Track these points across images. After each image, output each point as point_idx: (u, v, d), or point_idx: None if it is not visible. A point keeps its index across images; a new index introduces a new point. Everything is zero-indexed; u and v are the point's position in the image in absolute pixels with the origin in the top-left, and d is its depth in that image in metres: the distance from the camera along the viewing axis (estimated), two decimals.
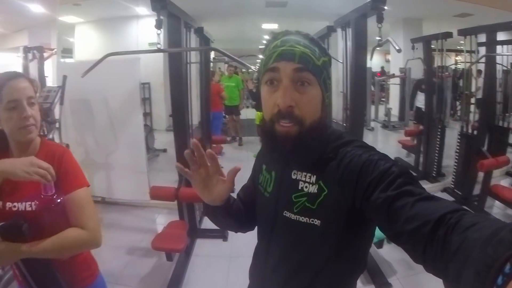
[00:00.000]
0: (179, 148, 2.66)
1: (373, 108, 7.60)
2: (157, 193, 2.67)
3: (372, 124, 7.23)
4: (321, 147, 0.74)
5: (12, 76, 1.02)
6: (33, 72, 5.19)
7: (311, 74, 0.70)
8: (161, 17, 2.23)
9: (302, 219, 0.74)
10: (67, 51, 6.33)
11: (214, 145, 4.73)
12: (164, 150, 5.33)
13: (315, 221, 0.73)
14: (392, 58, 7.84)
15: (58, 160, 1.07)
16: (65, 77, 3.33)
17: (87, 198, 1.09)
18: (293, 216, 0.76)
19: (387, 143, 6.28)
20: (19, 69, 5.35)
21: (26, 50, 5.60)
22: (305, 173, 0.76)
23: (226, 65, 7.81)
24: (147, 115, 6.02)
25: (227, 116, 6.32)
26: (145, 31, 5.61)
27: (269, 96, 0.72)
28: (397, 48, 2.33)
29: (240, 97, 6.27)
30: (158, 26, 2.23)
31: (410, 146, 4.85)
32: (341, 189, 0.69)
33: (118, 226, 3.24)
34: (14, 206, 1.01)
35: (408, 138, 4.93)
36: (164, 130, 6.22)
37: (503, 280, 0.37)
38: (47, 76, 4.89)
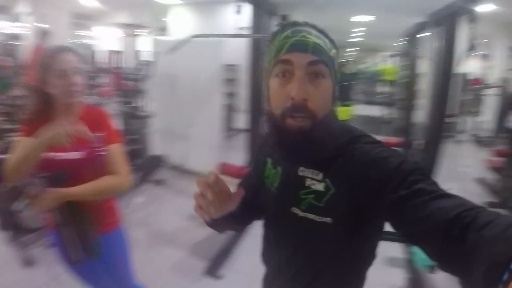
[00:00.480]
0: (252, 128, 2.92)
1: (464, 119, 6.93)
2: (226, 170, 2.91)
3: (462, 136, 6.62)
4: (330, 143, 0.72)
5: (62, 49, 1.25)
6: (129, 47, 5.80)
7: (325, 66, 0.68)
8: (240, 4, 2.47)
9: (310, 216, 0.74)
10: (163, 30, 6.95)
11: None
12: (243, 130, 5.54)
13: (325, 219, 0.72)
14: (496, 65, 7.01)
15: (98, 121, 1.31)
16: (156, 54, 3.71)
17: (120, 151, 1.34)
18: (301, 213, 0.75)
19: (472, 159, 5.71)
20: (116, 44, 6.02)
21: (124, 26, 6.27)
22: (312, 170, 0.74)
23: None
24: (232, 95, 6.23)
25: None
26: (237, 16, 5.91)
27: (281, 89, 0.69)
28: (479, 53, 2.17)
29: None
30: (239, 12, 2.48)
31: (498, 167, 4.34)
32: (349, 187, 0.68)
33: (187, 193, 3.54)
34: (60, 156, 1.22)
35: (497, 158, 4.42)
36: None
37: (508, 276, 0.38)
38: (141, 51, 5.43)
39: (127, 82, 4.01)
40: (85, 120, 1.23)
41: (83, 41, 7.21)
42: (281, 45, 0.70)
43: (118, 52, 5.19)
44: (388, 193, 0.60)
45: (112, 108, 4.32)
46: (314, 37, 0.69)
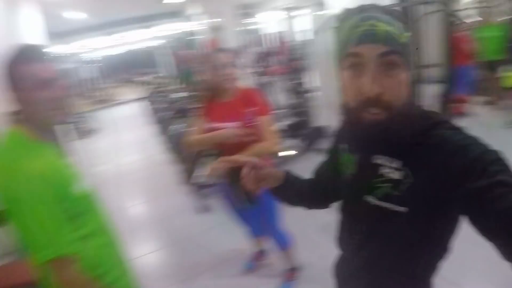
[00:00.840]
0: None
1: None
2: None
3: None
4: (408, 130, 0.68)
5: (219, 50, 1.83)
6: (292, 27, 6.21)
7: (398, 56, 0.64)
8: None
9: (385, 204, 0.72)
10: (321, 5, 7.15)
11: (455, 104, 4.32)
12: None
13: (400, 208, 0.70)
14: None
15: (250, 98, 1.73)
16: (316, 32, 3.90)
17: (269, 121, 1.73)
18: (375, 201, 0.74)
19: None
20: (280, 26, 6.51)
21: (285, 9, 6.72)
22: (388, 158, 0.72)
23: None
24: None
25: (484, 72, 5.04)
26: None
27: (353, 83, 0.67)
28: None
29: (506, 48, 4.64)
30: None
31: None
32: (428, 176, 0.65)
33: None
34: (221, 126, 1.69)
35: None
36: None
37: None
38: (303, 30, 5.73)
39: (293, 60, 4.37)
40: (241, 99, 1.71)
41: (250, 27, 8.06)
42: (349, 36, 0.66)
43: (282, 33, 5.69)
44: (467, 183, 0.58)
45: (281, 85, 4.85)
46: (384, 24, 0.63)
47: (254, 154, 1.61)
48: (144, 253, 2.84)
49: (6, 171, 0.95)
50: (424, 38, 4.05)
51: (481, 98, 5.08)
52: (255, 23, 8.57)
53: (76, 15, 7.40)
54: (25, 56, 0.96)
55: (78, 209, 1.04)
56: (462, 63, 4.35)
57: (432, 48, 3.78)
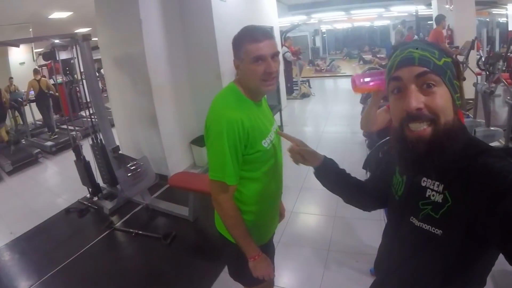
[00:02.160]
0: None
1: None
2: None
3: None
4: (453, 154, 0.71)
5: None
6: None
7: (435, 75, 0.69)
8: None
9: (425, 226, 0.76)
10: None
11: None
12: None
13: (437, 231, 0.74)
14: None
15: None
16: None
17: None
18: (417, 223, 0.78)
19: None
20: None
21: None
22: (433, 181, 0.76)
23: None
24: None
25: None
26: None
27: (397, 104, 0.74)
28: None
29: None
30: None
31: None
32: (465, 200, 0.68)
33: None
34: None
35: None
36: None
37: None
38: None
39: None
40: None
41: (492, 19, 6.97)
42: (392, 64, 0.76)
43: None
44: (500, 207, 0.60)
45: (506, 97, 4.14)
46: (420, 50, 0.71)
47: None
48: (301, 211, 3.29)
49: (211, 110, 1.23)
50: None
51: None
52: (501, 15, 7.45)
53: None
54: (250, 36, 1.17)
55: (255, 158, 1.25)
56: None
57: None
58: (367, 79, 1.53)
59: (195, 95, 4.48)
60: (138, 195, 3.51)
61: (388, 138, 3.35)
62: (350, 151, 4.91)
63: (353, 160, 4.37)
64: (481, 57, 4.94)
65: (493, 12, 8.12)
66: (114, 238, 3.09)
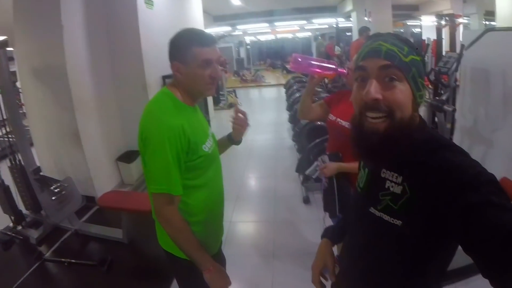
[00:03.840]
0: None
1: None
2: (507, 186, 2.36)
3: None
4: (412, 147, 0.75)
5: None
6: (446, 37, 5.73)
7: (398, 70, 0.72)
8: None
9: (385, 217, 0.79)
10: (490, 14, 6.49)
11: None
12: None
13: (396, 221, 0.76)
14: None
15: None
16: (462, 46, 3.63)
17: None
18: (377, 213, 0.81)
19: None
20: (436, 33, 6.27)
21: (439, 16, 6.39)
22: (392, 173, 0.80)
23: None
24: None
25: None
26: None
27: (359, 92, 0.77)
28: None
29: None
30: None
31: None
32: (424, 193, 0.71)
33: None
34: (341, 122, 1.79)
35: None
36: None
37: None
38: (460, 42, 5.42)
39: (441, 74, 4.01)
40: None
41: (408, 30, 7.81)
42: (360, 53, 0.79)
43: (436, 42, 5.44)
44: (459, 200, 0.63)
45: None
46: (389, 44, 0.74)
47: (353, 168, 1.79)
48: (240, 220, 3.40)
49: (147, 117, 1.17)
50: None
51: None
52: (415, 26, 8.39)
53: (238, 2, 8.75)
54: (200, 40, 1.16)
55: (197, 164, 1.23)
56: None
57: None
58: (305, 61, 1.62)
59: (120, 108, 4.29)
60: (66, 220, 3.25)
61: (317, 141, 3.77)
62: (281, 157, 5.19)
63: (286, 165, 4.71)
64: None
65: (408, 23, 9.37)
66: (46, 271, 2.80)
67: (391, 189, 0.78)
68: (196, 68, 1.17)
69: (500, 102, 3.58)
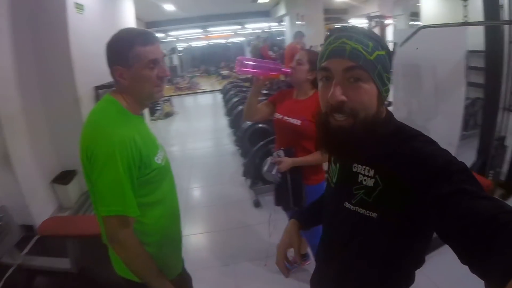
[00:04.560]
0: (486, 128, 2.95)
1: None
2: None
3: None
4: (379, 141, 0.77)
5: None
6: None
7: (363, 71, 0.72)
8: None
9: (360, 210, 0.81)
10: (415, 15, 7.10)
11: None
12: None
13: (372, 214, 0.78)
14: None
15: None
16: (395, 44, 3.94)
17: None
18: (352, 207, 0.83)
19: None
20: None
21: (369, 18, 6.92)
22: (364, 167, 0.81)
23: None
24: (480, 86, 5.25)
25: None
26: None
27: (324, 92, 0.77)
28: None
29: None
30: None
31: None
32: (396, 184, 0.72)
33: None
34: (288, 119, 1.88)
35: None
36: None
37: None
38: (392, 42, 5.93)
39: None
40: (314, 101, 1.78)
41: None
42: (323, 52, 0.78)
43: None
44: (432, 189, 0.64)
45: None
46: (353, 42, 0.73)
47: (309, 162, 1.85)
48: (192, 233, 3.31)
49: (92, 130, 1.05)
50: None
51: None
52: None
53: (171, 8, 8.59)
54: (142, 38, 1.07)
55: (151, 178, 1.13)
56: None
57: None
58: (250, 63, 1.66)
59: (51, 124, 3.87)
60: (6, 255, 2.84)
61: (261, 143, 3.80)
62: (225, 163, 5.15)
63: (232, 170, 4.70)
64: None
65: (335, 25, 9.95)
66: None
67: (364, 182, 0.80)
68: (142, 70, 1.08)
69: (431, 94, 3.91)
